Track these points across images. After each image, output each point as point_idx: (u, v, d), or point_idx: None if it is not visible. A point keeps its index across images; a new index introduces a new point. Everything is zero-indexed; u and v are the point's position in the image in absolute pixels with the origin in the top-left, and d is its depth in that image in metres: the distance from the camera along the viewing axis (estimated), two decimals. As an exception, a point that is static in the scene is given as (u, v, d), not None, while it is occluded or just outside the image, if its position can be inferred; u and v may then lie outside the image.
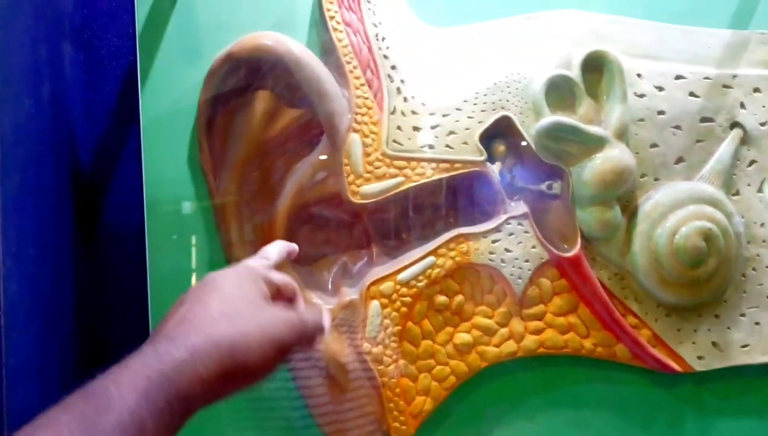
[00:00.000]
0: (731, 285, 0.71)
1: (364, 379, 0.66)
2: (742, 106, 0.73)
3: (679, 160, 0.71)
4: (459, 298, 0.67)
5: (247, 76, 0.68)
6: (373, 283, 0.66)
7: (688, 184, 0.70)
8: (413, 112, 0.67)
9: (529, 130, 0.68)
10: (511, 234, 0.68)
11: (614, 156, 0.67)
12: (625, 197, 0.69)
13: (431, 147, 0.67)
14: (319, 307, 0.47)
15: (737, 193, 0.72)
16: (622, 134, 0.68)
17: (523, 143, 0.68)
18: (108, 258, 0.79)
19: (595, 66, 0.69)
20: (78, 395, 0.32)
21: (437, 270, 0.66)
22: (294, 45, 0.67)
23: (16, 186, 0.60)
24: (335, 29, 0.68)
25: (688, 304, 0.70)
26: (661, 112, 0.70)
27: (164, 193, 0.68)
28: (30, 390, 0.60)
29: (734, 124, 0.73)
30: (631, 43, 0.72)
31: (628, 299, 0.69)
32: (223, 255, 0.68)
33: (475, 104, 0.68)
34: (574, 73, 0.68)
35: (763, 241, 0.72)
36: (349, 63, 0.67)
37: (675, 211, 0.68)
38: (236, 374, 0.36)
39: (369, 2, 0.69)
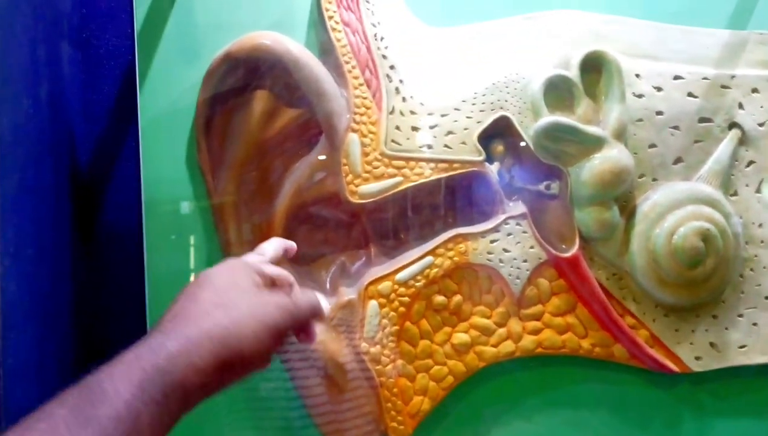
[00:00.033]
0: (729, 286, 0.71)
1: (362, 379, 0.66)
2: (741, 106, 0.73)
3: (678, 160, 0.71)
4: (457, 298, 0.67)
5: (246, 76, 0.68)
6: (372, 283, 0.66)
7: (686, 185, 0.70)
8: (412, 112, 0.67)
9: (528, 130, 0.68)
10: (509, 234, 0.68)
11: (612, 156, 0.67)
12: (623, 198, 0.69)
13: (430, 147, 0.67)
14: (313, 291, 0.46)
15: (735, 193, 0.72)
16: (621, 134, 0.68)
17: (522, 144, 0.68)
18: (106, 258, 0.79)
19: (594, 66, 0.69)
20: (73, 389, 0.32)
21: (435, 270, 0.66)
22: (292, 45, 0.67)
23: (15, 186, 0.60)
24: (334, 29, 0.68)
25: (686, 304, 0.70)
26: (659, 113, 0.70)
27: (162, 193, 0.68)
28: (28, 390, 0.60)
29: (732, 125, 0.73)
30: (629, 43, 0.72)
31: (626, 300, 0.69)
32: (222, 255, 0.68)
33: (473, 104, 0.68)
34: (573, 73, 0.68)
35: (762, 241, 0.72)
36: (347, 63, 0.67)
37: (673, 212, 0.69)
38: (232, 362, 0.36)
39: (368, 2, 0.69)
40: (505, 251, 0.67)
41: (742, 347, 0.71)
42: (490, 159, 0.69)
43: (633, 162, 0.68)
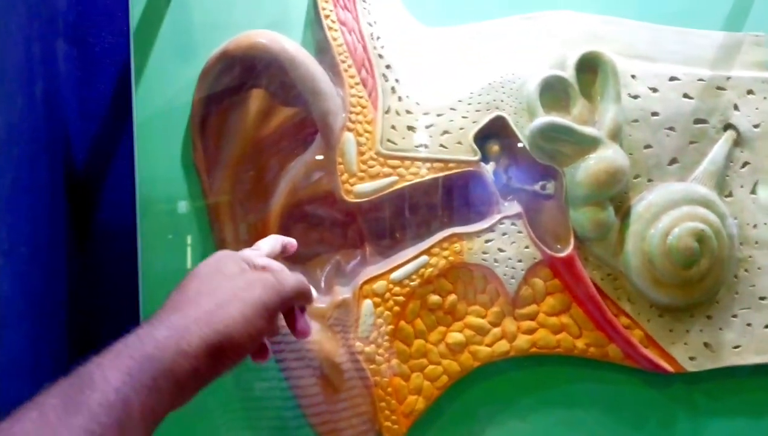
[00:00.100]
0: (723, 286, 0.71)
1: (356, 378, 0.66)
2: (736, 107, 0.73)
3: (673, 161, 0.71)
4: (452, 297, 0.67)
5: (242, 75, 0.68)
6: (366, 282, 0.66)
7: (681, 186, 0.70)
8: (408, 112, 0.67)
9: (523, 130, 0.68)
10: (504, 234, 0.68)
11: (608, 157, 0.67)
12: (618, 198, 0.69)
13: (425, 146, 0.67)
14: (300, 274, 0.46)
15: (730, 194, 0.73)
16: (616, 135, 0.68)
17: (518, 144, 0.68)
18: (101, 256, 0.78)
19: (590, 67, 0.69)
20: (63, 380, 0.32)
21: (430, 269, 0.66)
22: (288, 43, 0.67)
23: (9, 184, 0.60)
24: (330, 28, 0.68)
25: (681, 304, 0.70)
26: (655, 114, 0.70)
27: (157, 192, 0.68)
28: (22, 388, 0.60)
29: (728, 126, 0.73)
30: (625, 44, 0.72)
31: (621, 300, 0.69)
32: (217, 254, 0.68)
33: (469, 104, 0.68)
34: (569, 73, 0.68)
35: (756, 242, 0.73)
36: (343, 62, 0.67)
37: (668, 212, 0.69)
38: (221, 345, 0.36)
39: (364, 1, 0.69)
40: (500, 250, 0.67)
41: (736, 347, 0.71)
42: (485, 159, 0.69)
43: (628, 162, 0.68)
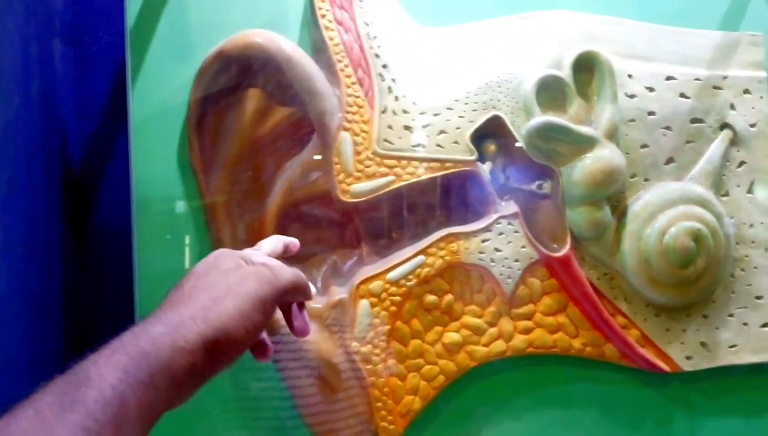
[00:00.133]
0: (720, 285, 0.71)
1: (353, 379, 0.66)
2: (732, 107, 0.73)
3: (669, 160, 0.71)
4: (448, 297, 0.67)
5: (238, 74, 0.68)
6: (363, 282, 0.66)
7: (677, 185, 0.70)
8: (404, 111, 0.67)
9: (520, 129, 0.68)
10: (501, 233, 0.68)
11: (604, 156, 0.67)
12: (614, 197, 0.69)
13: (422, 146, 0.67)
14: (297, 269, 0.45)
15: (726, 194, 0.73)
16: (612, 134, 0.68)
17: (516, 144, 0.68)
18: (98, 256, 0.78)
19: (586, 66, 0.69)
20: (59, 378, 0.32)
21: (427, 269, 0.66)
22: (285, 43, 0.67)
23: (5, 184, 0.60)
24: (327, 27, 0.68)
25: (677, 304, 0.70)
26: (651, 113, 0.70)
27: (154, 192, 0.68)
28: (18, 388, 0.60)
29: (724, 125, 0.73)
30: (622, 43, 0.72)
31: (618, 299, 0.69)
32: (213, 253, 0.68)
33: (466, 104, 0.68)
34: (565, 73, 0.68)
35: (752, 242, 0.73)
36: (340, 61, 0.67)
37: (664, 212, 0.69)
38: (218, 340, 0.36)
39: (361, 1, 0.69)
40: (497, 250, 0.67)
41: (732, 346, 0.71)
42: (482, 158, 0.69)
43: (625, 162, 0.68)
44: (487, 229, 0.68)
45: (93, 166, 0.79)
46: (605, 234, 0.68)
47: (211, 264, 0.42)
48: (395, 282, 0.66)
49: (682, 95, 0.72)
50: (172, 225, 0.68)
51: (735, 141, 0.73)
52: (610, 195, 0.68)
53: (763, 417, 0.73)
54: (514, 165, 0.70)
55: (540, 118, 0.67)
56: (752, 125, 0.74)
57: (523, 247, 0.68)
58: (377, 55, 0.68)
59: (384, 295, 0.66)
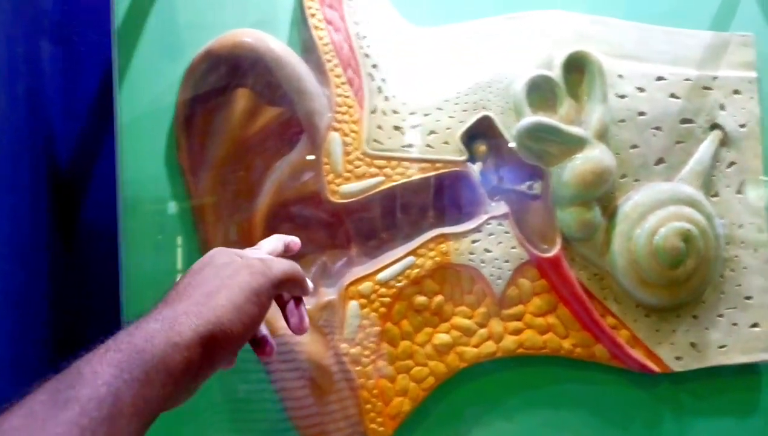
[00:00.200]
0: (710, 286, 0.71)
1: (342, 380, 0.65)
2: (722, 107, 0.73)
3: (659, 161, 0.71)
4: (438, 298, 0.67)
5: (227, 74, 0.68)
6: (352, 283, 0.65)
7: (667, 185, 0.70)
8: (394, 112, 0.67)
9: (510, 130, 0.68)
10: (491, 234, 0.67)
11: (594, 157, 0.67)
12: (604, 198, 0.69)
13: (412, 147, 0.67)
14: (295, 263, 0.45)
15: (716, 194, 0.73)
16: (603, 135, 0.68)
17: (506, 145, 0.68)
18: (85, 256, 0.78)
19: (577, 66, 0.69)
20: (52, 377, 0.31)
21: (417, 270, 0.66)
22: (274, 43, 0.66)
23: (-10, 184, 0.59)
24: (316, 27, 0.67)
25: (667, 304, 0.70)
26: (641, 113, 0.70)
27: (142, 192, 0.68)
28: (4, 389, 0.60)
29: (714, 126, 0.73)
30: (613, 44, 0.72)
31: (608, 300, 0.69)
32: (201, 254, 0.67)
33: (456, 104, 0.68)
34: (556, 73, 0.68)
35: (742, 242, 0.73)
36: (329, 61, 0.67)
37: (654, 212, 0.69)
38: (213, 335, 0.35)
39: (350, 0, 0.69)
40: (487, 251, 0.67)
41: (722, 346, 0.71)
42: (472, 159, 0.68)
43: (615, 162, 0.68)
44: (477, 229, 0.67)
45: (80, 165, 0.79)
46: (595, 235, 0.68)
47: (206, 261, 0.41)
48: (385, 283, 0.66)
49: (673, 96, 0.72)
50: (160, 225, 0.68)
51: (725, 141, 0.73)
52: (600, 196, 0.68)
53: (752, 417, 0.73)
54: (505, 165, 0.69)
55: (530, 118, 0.67)
56: (742, 126, 0.74)
57: (513, 247, 0.68)
58: (367, 55, 0.68)
59: (373, 296, 0.65)
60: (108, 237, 0.71)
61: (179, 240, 0.68)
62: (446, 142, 0.67)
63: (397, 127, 0.67)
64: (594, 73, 0.69)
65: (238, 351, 0.39)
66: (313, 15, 0.67)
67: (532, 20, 0.72)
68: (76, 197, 0.79)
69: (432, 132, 0.67)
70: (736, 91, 0.74)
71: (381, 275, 0.66)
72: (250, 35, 0.66)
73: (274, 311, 0.44)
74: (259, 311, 0.39)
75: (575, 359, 0.69)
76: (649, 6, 0.75)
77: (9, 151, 0.64)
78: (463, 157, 0.67)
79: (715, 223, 0.71)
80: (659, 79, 0.72)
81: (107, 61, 0.78)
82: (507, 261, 0.67)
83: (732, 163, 0.73)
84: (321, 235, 0.70)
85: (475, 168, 0.69)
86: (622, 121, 0.70)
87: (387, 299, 0.66)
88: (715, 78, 0.73)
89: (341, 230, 0.69)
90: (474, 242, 0.67)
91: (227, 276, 0.39)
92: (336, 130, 0.66)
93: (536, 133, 0.67)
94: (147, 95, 0.68)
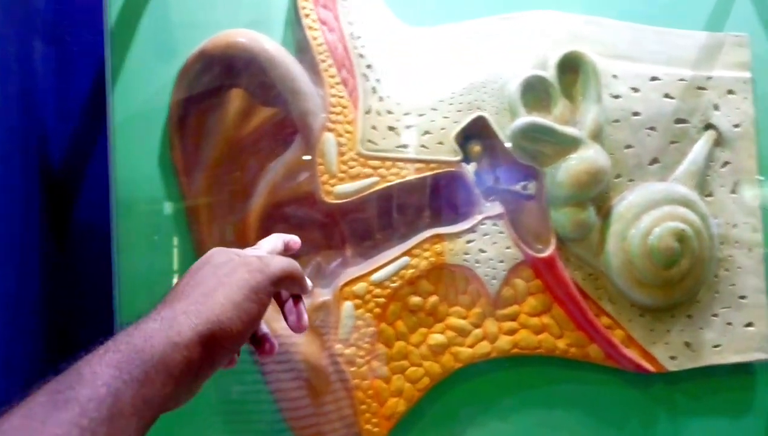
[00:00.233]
0: (704, 286, 0.72)
1: (337, 381, 0.65)
2: (716, 107, 0.73)
3: (654, 161, 0.71)
4: (433, 298, 0.67)
5: (221, 74, 0.67)
6: (347, 284, 0.65)
7: (662, 185, 0.70)
8: (388, 112, 0.67)
9: (505, 130, 0.68)
10: (485, 234, 0.67)
11: (589, 157, 0.67)
12: (599, 198, 0.69)
13: (406, 147, 0.66)
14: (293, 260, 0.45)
15: (710, 194, 0.73)
16: (597, 135, 0.68)
17: (501, 145, 0.68)
18: (78, 256, 0.77)
19: (571, 67, 0.69)
20: (52, 379, 0.31)
21: (411, 271, 0.66)
22: (268, 43, 0.66)
23: (-18, 185, 0.59)
24: (310, 27, 0.67)
25: (662, 304, 0.70)
26: (636, 114, 0.70)
27: (135, 193, 0.67)
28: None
29: (708, 126, 0.73)
30: (607, 44, 0.72)
31: (602, 300, 0.69)
32: (195, 255, 0.67)
33: (450, 104, 0.68)
34: (550, 74, 0.68)
35: (736, 242, 0.73)
36: (324, 61, 0.67)
37: (649, 212, 0.69)
38: (213, 333, 0.35)
39: (345, 0, 0.69)
40: (482, 251, 0.67)
41: (716, 346, 0.72)
42: (467, 159, 0.68)
43: (609, 163, 0.68)
44: (471, 230, 0.67)
45: (73, 166, 0.78)
46: (590, 235, 0.68)
47: (204, 261, 0.41)
48: (379, 284, 0.65)
49: (667, 96, 0.72)
50: (154, 226, 0.67)
51: (719, 141, 0.73)
52: (595, 196, 0.68)
53: (747, 417, 0.73)
54: (499, 166, 0.69)
55: (525, 118, 0.67)
56: (736, 126, 0.74)
57: (508, 248, 0.67)
58: (361, 55, 0.68)
59: (368, 297, 0.65)
60: (101, 237, 0.71)
61: (173, 241, 0.68)
62: (441, 143, 0.67)
63: (391, 128, 0.67)
64: (588, 73, 0.69)
65: (239, 350, 0.39)
66: (307, 15, 0.67)
67: (526, 21, 0.72)
68: (69, 197, 0.78)
69: (426, 132, 0.67)
70: (730, 92, 0.74)
71: (376, 276, 0.66)
72: (243, 35, 0.66)
73: (271, 313, 0.44)
74: (258, 309, 0.39)
75: (570, 359, 0.69)
76: (644, 6, 0.75)
77: (1, 151, 0.64)
78: (458, 158, 0.67)
79: (710, 223, 0.71)
80: (653, 79, 0.72)
81: (100, 60, 0.78)
82: (502, 261, 0.67)
83: (726, 163, 0.74)
84: (315, 235, 0.70)
85: (470, 168, 0.69)
86: (617, 121, 0.70)
87: (382, 300, 0.66)
88: (709, 78, 0.73)
89: (336, 230, 0.69)
90: (469, 242, 0.67)
91: (225, 275, 0.39)
92: (330, 130, 0.66)
93: (531, 134, 0.67)
94: (140, 95, 0.68)
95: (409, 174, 0.66)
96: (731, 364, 0.72)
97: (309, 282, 0.45)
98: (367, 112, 0.66)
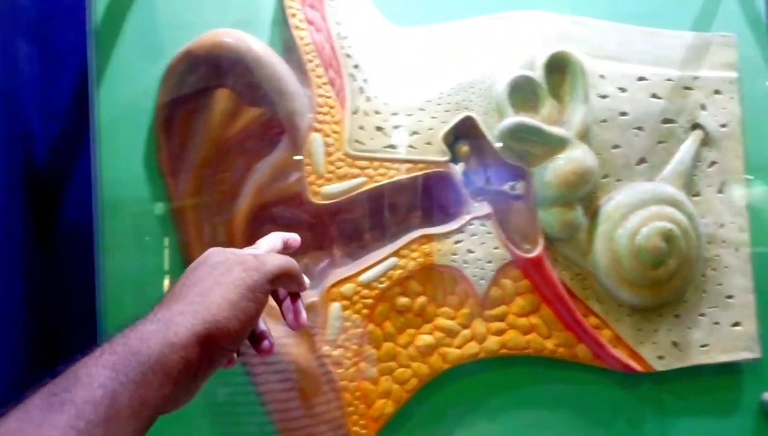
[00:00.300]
0: (691, 285, 0.72)
1: (325, 383, 0.65)
2: (703, 107, 0.73)
3: (641, 161, 0.71)
4: (421, 299, 0.67)
5: (207, 75, 0.67)
6: (334, 285, 0.65)
7: (649, 185, 0.71)
8: (376, 112, 0.67)
9: (493, 130, 0.67)
10: (473, 235, 0.67)
11: (576, 157, 0.67)
12: (587, 198, 0.69)
13: (394, 147, 0.66)
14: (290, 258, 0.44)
15: (698, 194, 0.73)
16: (584, 135, 0.68)
17: (489, 145, 0.68)
18: (63, 256, 0.77)
19: (559, 67, 0.69)
20: (48, 382, 0.31)
21: (399, 271, 0.66)
22: (254, 43, 0.66)
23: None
24: (297, 27, 0.67)
25: (649, 304, 0.70)
26: (623, 114, 0.71)
27: (121, 193, 0.67)
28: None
29: (695, 126, 0.73)
30: (595, 44, 0.72)
31: (590, 300, 0.69)
32: (181, 256, 0.67)
33: (438, 104, 0.68)
34: (538, 74, 0.68)
35: (723, 241, 0.73)
36: (311, 61, 0.66)
37: (636, 212, 0.69)
38: (210, 333, 0.35)
39: (332, 0, 0.68)
40: (470, 251, 0.67)
41: (703, 345, 0.72)
42: (455, 159, 0.68)
43: (597, 163, 0.68)
44: (459, 230, 0.67)
45: (58, 166, 0.77)
46: (577, 235, 0.68)
47: (201, 261, 0.41)
48: (367, 285, 0.65)
49: (654, 96, 0.72)
50: (140, 227, 0.67)
51: (706, 141, 0.74)
52: (582, 196, 0.68)
53: (734, 416, 0.74)
54: (487, 166, 0.69)
55: (512, 119, 0.67)
56: (723, 126, 0.74)
57: (496, 248, 0.67)
58: (349, 56, 0.67)
59: (356, 298, 0.65)
60: (86, 237, 0.70)
61: (159, 241, 0.67)
62: (429, 143, 0.67)
63: (379, 128, 0.66)
64: (576, 73, 0.69)
65: (238, 349, 0.38)
66: (293, 15, 0.67)
67: (513, 21, 0.72)
68: (53, 198, 0.77)
69: (414, 132, 0.67)
70: (717, 92, 0.74)
71: (363, 277, 0.65)
72: (230, 35, 0.66)
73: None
74: (255, 307, 0.39)
75: (558, 359, 0.69)
76: (631, 6, 0.75)
77: (-16, 152, 0.63)
78: (446, 158, 0.67)
79: (697, 222, 0.71)
80: (641, 79, 0.72)
81: (85, 60, 0.77)
82: (490, 262, 0.67)
83: (713, 163, 0.74)
84: (303, 236, 0.69)
85: (458, 168, 0.68)
86: (604, 121, 0.70)
87: (369, 301, 0.65)
88: (696, 78, 0.74)
89: (323, 231, 0.69)
90: (457, 242, 0.67)
91: (221, 274, 0.39)
92: (317, 130, 0.65)
93: (518, 134, 0.67)
94: (125, 96, 0.67)
95: (397, 174, 0.66)
96: (718, 363, 0.72)
97: (306, 279, 0.45)
98: (355, 112, 0.66)
